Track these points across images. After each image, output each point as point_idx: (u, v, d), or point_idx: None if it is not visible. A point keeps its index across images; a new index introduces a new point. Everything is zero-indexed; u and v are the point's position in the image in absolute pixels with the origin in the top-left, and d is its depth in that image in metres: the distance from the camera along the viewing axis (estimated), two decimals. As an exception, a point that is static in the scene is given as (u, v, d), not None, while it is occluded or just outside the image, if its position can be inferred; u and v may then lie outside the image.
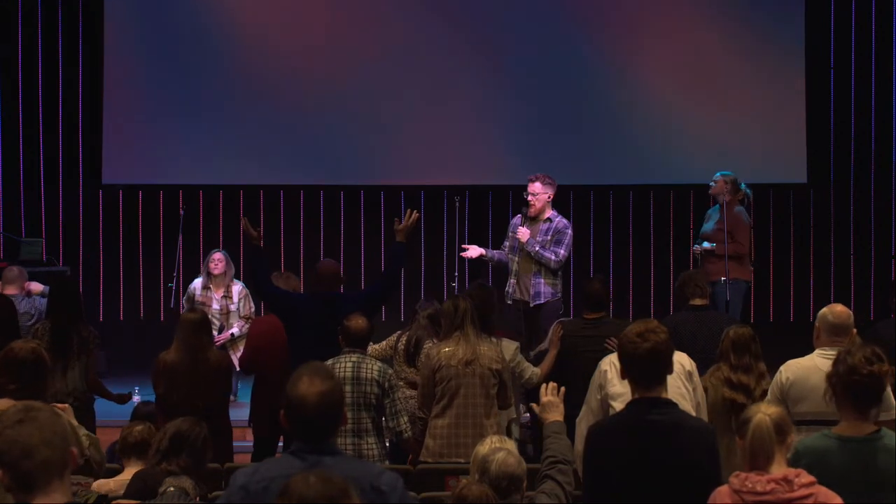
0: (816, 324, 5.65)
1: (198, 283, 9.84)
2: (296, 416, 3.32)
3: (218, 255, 9.78)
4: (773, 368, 5.78)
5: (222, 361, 7.02)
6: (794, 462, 3.96)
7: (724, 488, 3.79)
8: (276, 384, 7.13)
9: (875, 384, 4.24)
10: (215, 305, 9.75)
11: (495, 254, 9.15)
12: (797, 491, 3.71)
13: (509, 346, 6.88)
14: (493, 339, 6.70)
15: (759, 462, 3.78)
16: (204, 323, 7.02)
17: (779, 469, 3.78)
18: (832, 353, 5.48)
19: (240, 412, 8.24)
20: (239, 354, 8.63)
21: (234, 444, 7.44)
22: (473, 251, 9.11)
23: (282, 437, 7.31)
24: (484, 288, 7.22)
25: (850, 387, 4.23)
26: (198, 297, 9.71)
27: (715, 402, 5.98)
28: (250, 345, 7.70)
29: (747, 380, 6.00)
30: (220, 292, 9.79)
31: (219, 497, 3.68)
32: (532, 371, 6.91)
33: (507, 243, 9.08)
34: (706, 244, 9.65)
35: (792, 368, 5.58)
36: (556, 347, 7.12)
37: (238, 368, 8.32)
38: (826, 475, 3.81)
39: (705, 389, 6.08)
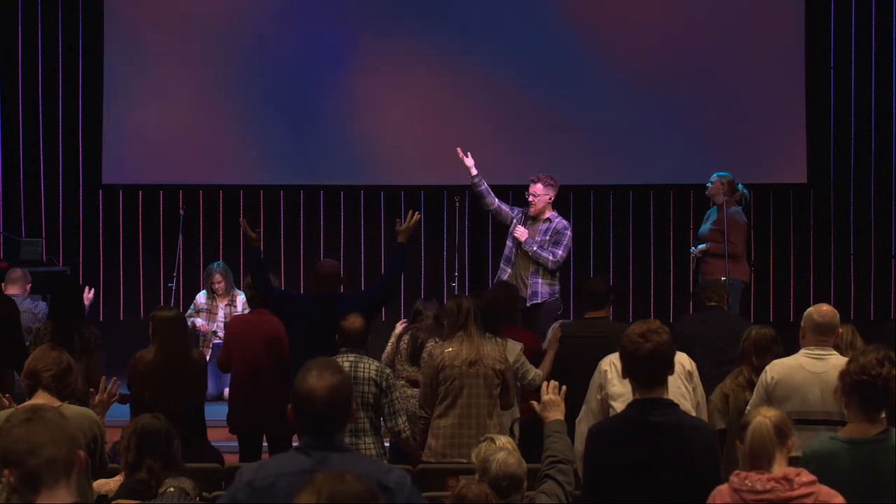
0: (802, 323, 5.66)
1: (201, 294, 10.28)
2: (304, 411, 3.29)
3: (217, 277, 10.16)
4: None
5: (202, 360, 7.04)
6: (802, 467, 3.95)
7: (723, 487, 3.80)
8: (248, 382, 7.25)
9: (883, 387, 4.23)
10: (220, 314, 10.11)
11: (484, 184, 9.11)
12: (797, 490, 3.71)
13: (514, 348, 6.88)
14: (498, 340, 6.73)
15: (759, 465, 3.78)
16: (182, 320, 7.03)
17: (780, 470, 3.78)
18: (818, 352, 5.51)
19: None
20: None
21: (223, 444, 7.45)
22: (469, 160, 9.12)
23: (265, 437, 7.35)
24: (508, 287, 7.30)
25: (858, 387, 4.23)
26: (202, 306, 10.13)
27: (737, 406, 5.88)
28: (224, 344, 7.79)
29: None
30: (225, 301, 10.18)
31: (221, 497, 3.66)
32: (535, 373, 6.88)
33: (506, 208, 9.13)
34: (701, 245, 9.72)
35: (777, 368, 5.58)
36: (554, 349, 7.11)
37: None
38: (835, 478, 3.81)
39: (726, 397, 6.05)
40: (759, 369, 5.97)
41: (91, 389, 5.40)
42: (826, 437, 4.30)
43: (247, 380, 7.34)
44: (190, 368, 6.81)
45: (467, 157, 9.13)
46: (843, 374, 4.31)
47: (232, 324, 7.99)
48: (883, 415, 4.38)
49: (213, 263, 10.35)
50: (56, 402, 4.87)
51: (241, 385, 7.42)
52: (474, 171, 9.11)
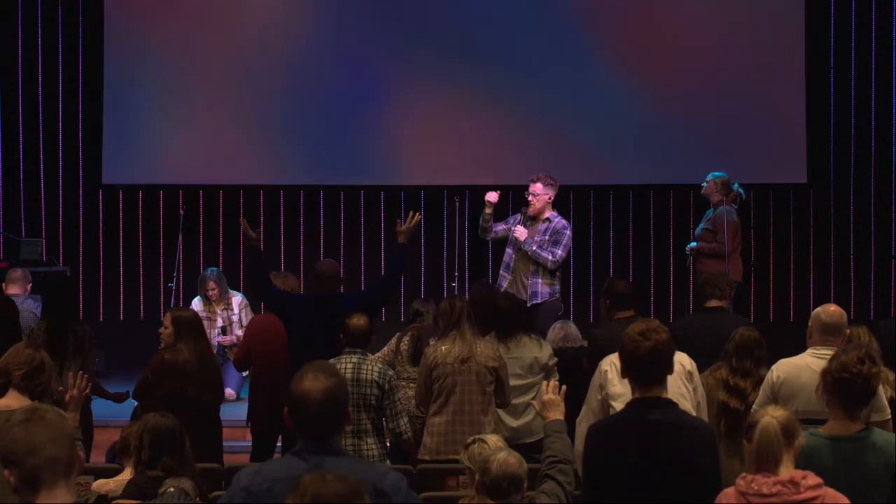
0: (809, 323, 5.66)
1: (196, 301, 10.24)
2: (299, 414, 3.28)
3: (211, 284, 10.18)
4: (772, 369, 5.77)
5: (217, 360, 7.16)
6: None
7: (730, 490, 3.79)
8: (272, 382, 7.28)
9: (864, 384, 4.26)
10: (219, 320, 10.17)
11: (491, 221, 9.06)
12: (804, 493, 3.71)
13: (548, 347, 6.99)
14: (532, 336, 6.88)
15: (766, 465, 3.77)
16: (201, 322, 7.10)
17: (786, 472, 3.77)
18: (824, 352, 5.49)
19: (240, 411, 8.27)
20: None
21: (235, 443, 7.49)
22: (493, 197, 9.05)
23: (281, 437, 7.37)
24: (487, 287, 7.32)
25: (839, 384, 4.25)
26: (201, 313, 10.01)
27: (709, 401, 5.95)
28: (245, 343, 7.81)
29: (744, 384, 5.97)
30: (221, 306, 10.21)
31: (220, 497, 3.66)
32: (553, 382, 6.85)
33: (502, 226, 9.07)
34: (692, 244, 9.80)
35: (783, 367, 5.59)
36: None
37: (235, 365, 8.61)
38: (816, 474, 3.81)
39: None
40: (736, 371, 6.03)
41: (60, 388, 5.37)
42: (807, 433, 4.30)
43: (268, 379, 7.38)
44: (217, 367, 6.97)
45: (494, 196, 9.08)
46: (825, 373, 4.33)
47: (253, 323, 8.09)
48: (865, 411, 4.38)
49: (207, 270, 10.35)
50: (26, 402, 4.78)
51: (264, 385, 7.49)
52: (490, 210, 9.07)
